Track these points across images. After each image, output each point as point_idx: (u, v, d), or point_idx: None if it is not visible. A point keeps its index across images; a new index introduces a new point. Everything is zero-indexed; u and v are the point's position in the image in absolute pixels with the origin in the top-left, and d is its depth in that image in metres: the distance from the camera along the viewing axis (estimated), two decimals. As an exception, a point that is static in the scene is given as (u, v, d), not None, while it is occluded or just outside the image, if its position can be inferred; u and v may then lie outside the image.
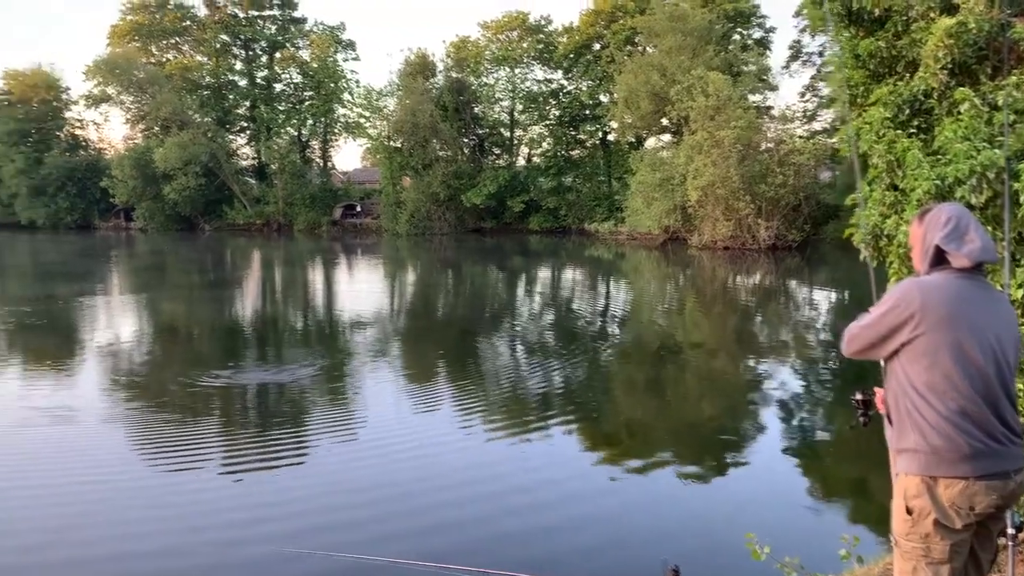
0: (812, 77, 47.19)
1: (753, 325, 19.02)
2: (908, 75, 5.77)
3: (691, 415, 11.08)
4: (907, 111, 5.51)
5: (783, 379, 12.72)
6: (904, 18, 5.87)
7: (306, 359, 13.93)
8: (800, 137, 40.77)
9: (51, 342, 16.22)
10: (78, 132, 66.98)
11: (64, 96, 65.49)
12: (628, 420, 10.64)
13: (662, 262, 35.94)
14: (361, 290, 27.46)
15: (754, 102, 41.20)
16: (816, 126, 46.78)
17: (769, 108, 42.50)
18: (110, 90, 59.23)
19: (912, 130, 5.49)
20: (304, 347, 15.92)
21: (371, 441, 9.21)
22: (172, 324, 19.26)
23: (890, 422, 2.75)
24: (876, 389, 2.97)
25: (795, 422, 10.40)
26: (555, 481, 8.00)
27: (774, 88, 44.50)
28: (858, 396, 3.08)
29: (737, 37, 46.85)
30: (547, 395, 11.53)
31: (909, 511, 2.62)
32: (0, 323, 18.48)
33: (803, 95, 47.97)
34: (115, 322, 19.11)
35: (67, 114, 66.23)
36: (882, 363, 2.79)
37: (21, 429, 9.54)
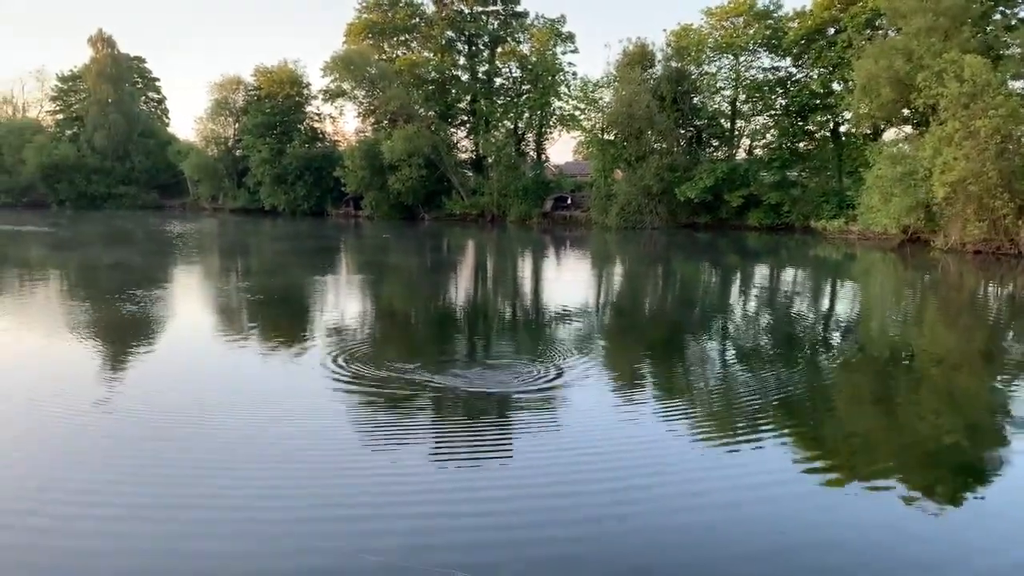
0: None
1: (1004, 340, 16.30)
2: None
3: (925, 435, 9.43)
4: None
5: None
6: None
7: (509, 352, 13.63)
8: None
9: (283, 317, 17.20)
10: (316, 125, 72.48)
11: (305, 91, 70.93)
12: (850, 435, 9.27)
13: (899, 265, 32.49)
14: (568, 283, 27.01)
15: (1017, 88, 36.32)
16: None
17: (1035, 95, 37.21)
18: (345, 85, 63.28)
19: None
20: (508, 339, 15.64)
21: (565, 444, 8.48)
22: (391, 309, 19.81)
23: None
24: None
25: None
26: (767, 498, 6.99)
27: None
28: None
29: (999, 16, 41.41)
30: (760, 404, 10.24)
31: None
32: (237, 298, 19.91)
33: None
34: (340, 302, 20.04)
35: (307, 108, 71.75)
36: None
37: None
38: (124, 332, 14.76)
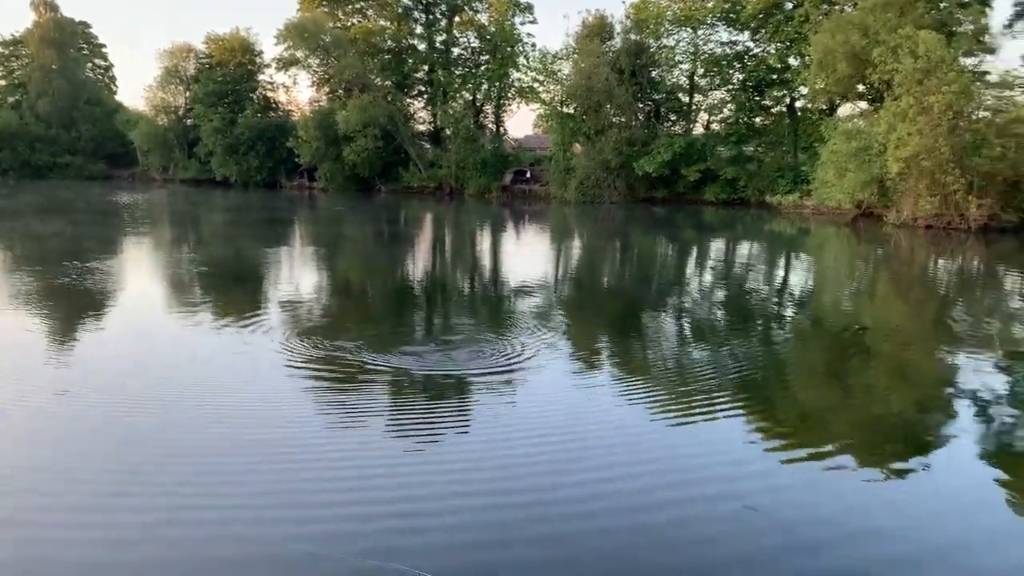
0: (1041, 37, 41.42)
1: (954, 314, 16.51)
2: None
3: (877, 408, 9.44)
4: None
5: (985, 376, 10.72)
6: None
7: (465, 326, 13.42)
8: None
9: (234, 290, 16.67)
10: (269, 94, 70.75)
11: (258, 60, 69.22)
12: (803, 409, 9.31)
13: (852, 240, 32.85)
14: (526, 257, 26.78)
15: (969, 66, 36.72)
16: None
17: (985, 73, 37.62)
18: (299, 54, 61.70)
19: None
20: (465, 313, 15.37)
21: (521, 418, 8.31)
22: (345, 284, 19.38)
23: None
24: None
25: (995, 424, 8.73)
26: (716, 475, 6.93)
27: (992, 51, 39.28)
28: None
29: (952, -7, 41.76)
30: (716, 378, 10.17)
31: None
32: (185, 272, 19.32)
33: (1028, 58, 42.31)
34: (294, 277, 19.55)
35: (260, 77, 70.06)
36: None
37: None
38: (66, 308, 14.19)
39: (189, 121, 71.13)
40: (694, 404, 8.90)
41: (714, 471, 6.99)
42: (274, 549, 5.36)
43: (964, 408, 9.18)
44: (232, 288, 17.64)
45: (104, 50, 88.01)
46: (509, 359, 10.38)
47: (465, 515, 5.97)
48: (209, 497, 6.20)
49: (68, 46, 78.43)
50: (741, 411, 8.72)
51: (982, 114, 34.60)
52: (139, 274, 19.66)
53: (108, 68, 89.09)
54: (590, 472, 6.81)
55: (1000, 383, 10.50)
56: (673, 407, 8.83)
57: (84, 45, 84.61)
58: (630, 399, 9.18)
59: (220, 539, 5.56)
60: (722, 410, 8.70)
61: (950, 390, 10.12)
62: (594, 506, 6.13)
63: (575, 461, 7.04)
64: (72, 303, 14.59)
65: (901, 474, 7.14)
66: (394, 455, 7.23)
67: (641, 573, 5.16)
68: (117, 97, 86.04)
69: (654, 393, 9.39)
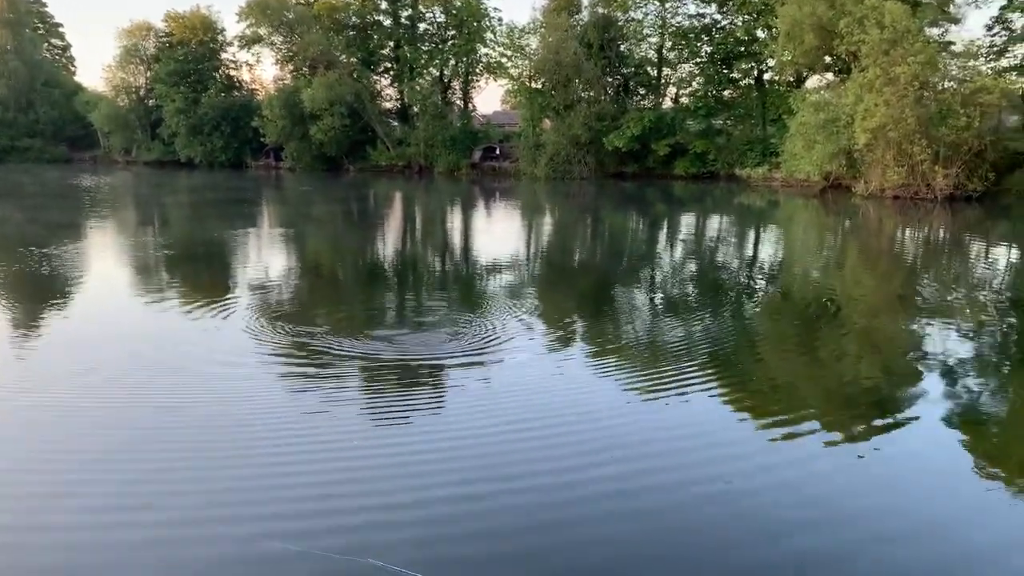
0: (1002, 8, 41.77)
1: (921, 283, 16.65)
2: None
3: (846, 376, 9.50)
4: None
5: (951, 343, 10.89)
6: None
7: (437, 307, 13.27)
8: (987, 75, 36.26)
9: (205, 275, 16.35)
10: (232, 73, 69.66)
11: (220, 38, 67.87)
12: (774, 380, 9.31)
13: (821, 211, 33.06)
14: (498, 235, 26.58)
15: (934, 36, 36.94)
16: (1004, 63, 41.86)
17: (950, 43, 37.89)
18: (262, 31, 60.74)
19: None
20: (437, 293, 15.18)
21: (497, 395, 8.22)
22: (314, 266, 19.03)
23: None
24: None
25: (961, 390, 8.82)
26: (693, 446, 6.97)
27: (957, 20, 39.55)
28: None
29: (918, -38, 41.91)
30: (688, 351, 10.14)
31: None
32: (149, 256, 18.90)
33: (991, 28, 42.74)
34: (261, 259, 19.21)
35: (223, 55, 68.74)
36: None
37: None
38: (25, 296, 13.77)
39: (151, 102, 69.75)
40: (666, 380, 8.82)
41: (694, 449, 6.91)
42: (244, 546, 5.17)
43: (932, 375, 9.21)
44: (196, 272, 17.25)
45: (60, 29, 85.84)
46: (482, 341, 10.19)
47: (442, 507, 5.80)
48: (175, 496, 5.96)
49: (23, 26, 76.31)
50: (715, 386, 8.64)
51: (947, 84, 34.87)
52: (101, 259, 19.15)
53: (66, 48, 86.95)
54: (568, 458, 6.65)
55: (966, 349, 10.59)
56: (647, 384, 8.74)
57: (39, 24, 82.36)
58: (603, 378, 9.08)
59: (186, 539, 5.34)
60: (696, 385, 8.61)
61: (918, 357, 10.15)
62: (574, 493, 6.00)
63: (553, 447, 6.86)
64: (31, 290, 14.18)
65: (875, 444, 7.11)
66: (369, 445, 7.02)
67: (629, 558, 5.06)
68: (76, 78, 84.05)
69: (628, 370, 9.28)
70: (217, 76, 67.50)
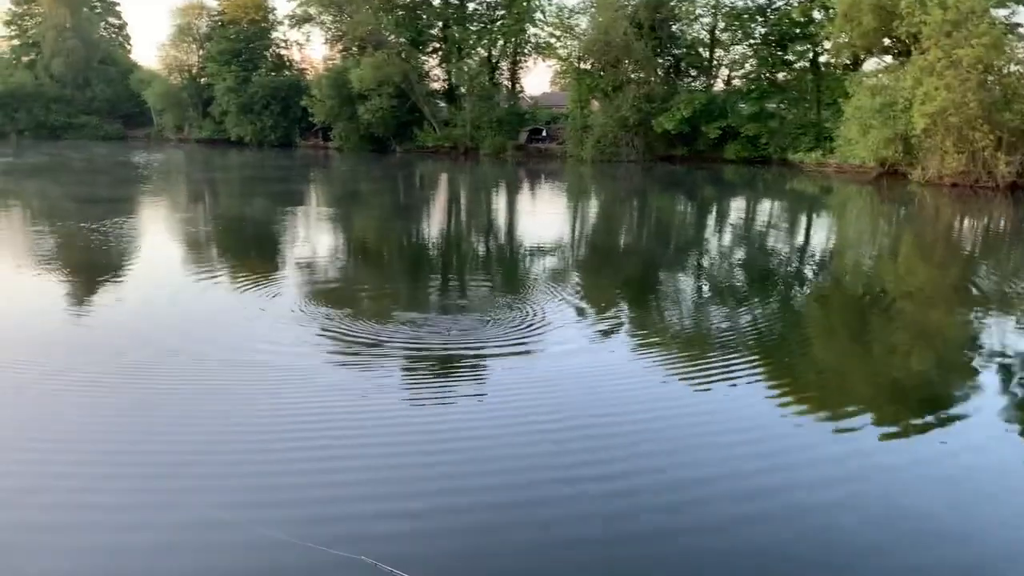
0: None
1: (980, 274, 16.05)
2: None
3: (897, 371, 9.17)
4: None
5: (1010, 338, 10.41)
6: None
7: (478, 287, 13.24)
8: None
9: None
10: (282, 52, 70.20)
11: (271, 17, 68.44)
12: (822, 370, 9.11)
13: (875, 198, 32.17)
14: (543, 217, 26.38)
15: (1000, 17, 35.47)
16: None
17: (1018, 25, 36.39)
18: (312, 10, 60.94)
19: None
20: (478, 273, 15.14)
21: (537, 379, 8.11)
22: (358, 244, 19.04)
23: None
24: None
25: (1018, 387, 8.33)
26: (735, 435, 6.76)
27: (1024, 2, 37.93)
28: None
29: (985, -60, 40.24)
30: (734, 338, 9.85)
31: None
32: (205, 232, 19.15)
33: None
34: (310, 240, 19.26)
35: (273, 35, 69.34)
36: None
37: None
38: (82, 268, 14.03)
39: (203, 80, 70.59)
40: (713, 370, 8.56)
41: (746, 443, 6.65)
42: (243, 534, 5.06)
43: (989, 369, 8.83)
44: (232, 250, 17.42)
45: (117, 8, 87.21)
46: (523, 327, 9.97)
47: (479, 505, 5.68)
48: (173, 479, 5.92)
49: (81, 4, 77.82)
50: (768, 378, 8.37)
51: (1013, 68, 33.51)
52: (144, 236, 19.42)
53: (122, 27, 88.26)
54: (612, 449, 6.50)
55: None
56: (695, 374, 8.49)
57: (97, 3, 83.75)
58: (648, 369, 8.83)
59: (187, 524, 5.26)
60: (744, 377, 8.32)
61: (974, 351, 9.75)
62: (614, 486, 5.85)
63: (593, 439, 6.70)
64: (80, 265, 14.41)
65: (926, 437, 6.87)
66: (399, 434, 6.93)
67: (677, 556, 4.89)
68: (132, 56, 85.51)
69: (675, 361, 9.04)
70: (267, 55, 68.06)
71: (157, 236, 19.35)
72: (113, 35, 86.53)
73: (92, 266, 14.45)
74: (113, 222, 19.68)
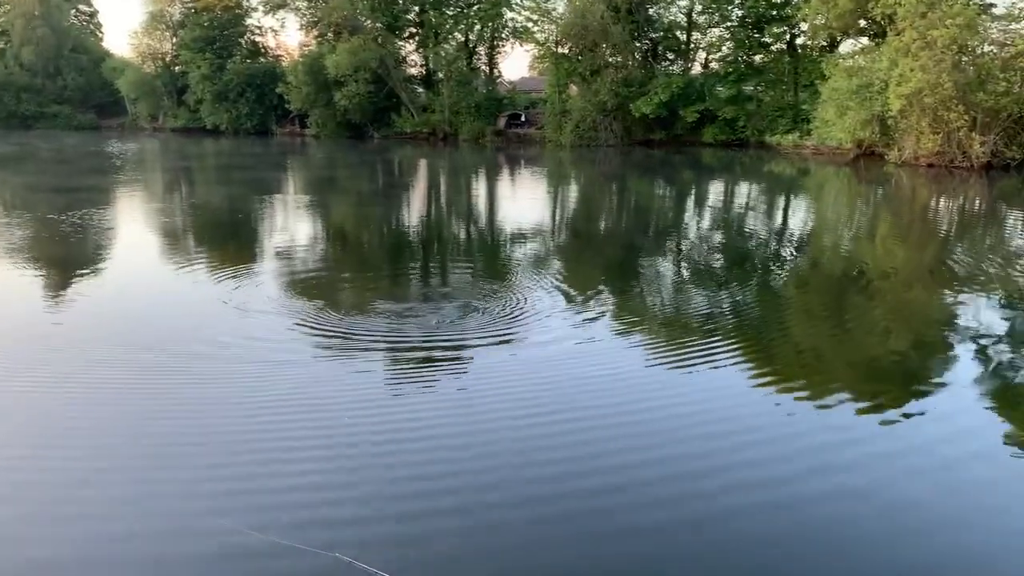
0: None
1: (956, 254, 16.14)
2: None
3: (874, 349, 9.21)
4: None
5: (986, 317, 10.53)
6: None
7: (459, 275, 13.20)
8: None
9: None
10: (257, 39, 69.43)
11: (245, 3, 67.64)
12: (801, 351, 9.15)
13: (852, 179, 32.34)
14: (523, 203, 26.28)
15: (974, -2, 35.68)
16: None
17: (991, 5, 36.62)
18: (286, -5, 60.23)
19: None
20: (458, 260, 15.05)
21: (518, 364, 8.12)
22: (340, 235, 18.87)
23: None
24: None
25: (994, 365, 8.46)
26: (714, 417, 6.84)
27: (999, -18, 38.21)
28: None
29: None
30: (714, 322, 9.86)
31: None
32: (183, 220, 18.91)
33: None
34: (288, 227, 19.11)
35: (247, 21, 68.57)
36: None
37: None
38: (47, 261, 13.79)
39: (177, 68, 69.67)
40: (694, 354, 8.55)
41: (699, 408, 6.75)
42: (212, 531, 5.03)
43: (965, 348, 8.92)
44: (207, 241, 17.21)
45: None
46: (505, 315, 9.92)
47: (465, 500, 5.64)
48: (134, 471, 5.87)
49: (50, -9, 76.37)
50: (739, 353, 8.42)
51: (987, 48, 33.80)
52: (135, 226, 19.13)
53: (93, 14, 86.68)
54: (581, 437, 6.49)
55: (1000, 323, 10.25)
56: (677, 359, 8.48)
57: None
58: (630, 354, 8.82)
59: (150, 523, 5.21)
60: (724, 357, 8.34)
61: (950, 330, 9.84)
62: (605, 480, 5.81)
63: (573, 433, 6.69)
64: (45, 257, 14.17)
65: (906, 415, 6.89)
66: (379, 428, 6.86)
67: (668, 549, 4.86)
68: (104, 44, 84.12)
69: (656, 345, 9.04)
70: (242, 42, 67.34)
71: (127, 227, 18.99)
72: (84, 23, 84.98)
73: (57, 259, 14.15)
74: (82, 213, 19.36)
